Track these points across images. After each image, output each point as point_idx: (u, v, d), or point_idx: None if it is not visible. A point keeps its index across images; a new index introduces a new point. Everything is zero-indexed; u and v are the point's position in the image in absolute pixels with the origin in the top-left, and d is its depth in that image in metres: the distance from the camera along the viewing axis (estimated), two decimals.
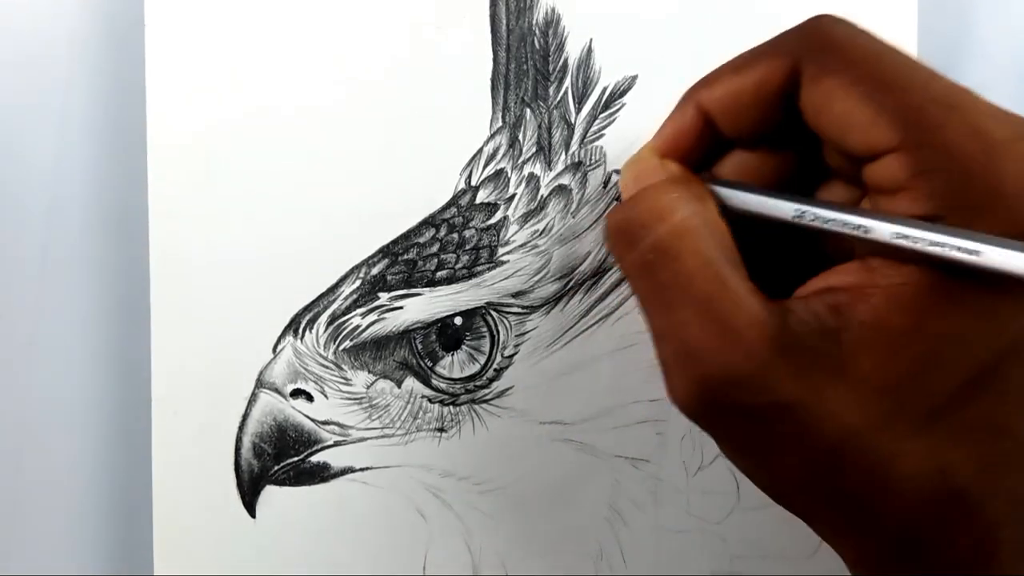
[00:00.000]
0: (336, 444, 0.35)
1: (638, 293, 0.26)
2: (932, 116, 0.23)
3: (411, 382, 0.35)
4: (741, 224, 0.26)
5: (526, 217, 0.35)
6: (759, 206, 0.26)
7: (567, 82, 0.35)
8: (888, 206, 0.24)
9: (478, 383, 0.35)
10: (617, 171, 0.35)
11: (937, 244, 0.22)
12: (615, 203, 0.31)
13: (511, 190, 0.35)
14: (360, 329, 0.35)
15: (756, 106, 0.26)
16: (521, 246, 0.35)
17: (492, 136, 0.35)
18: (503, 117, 0.35)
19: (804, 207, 0.25)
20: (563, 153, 0.35)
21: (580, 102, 0.35)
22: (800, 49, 0.25)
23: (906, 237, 0.23)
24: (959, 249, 0.22)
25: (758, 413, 0.23)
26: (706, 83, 0.28)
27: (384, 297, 0.35)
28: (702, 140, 0.28)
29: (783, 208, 0.26)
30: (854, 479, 0.23)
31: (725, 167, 0.29)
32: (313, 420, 0.35)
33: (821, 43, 0.25)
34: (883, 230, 0.23)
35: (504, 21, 0.35)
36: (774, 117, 0.26)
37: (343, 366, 0.35)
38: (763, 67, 0.26)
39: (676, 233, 0.25)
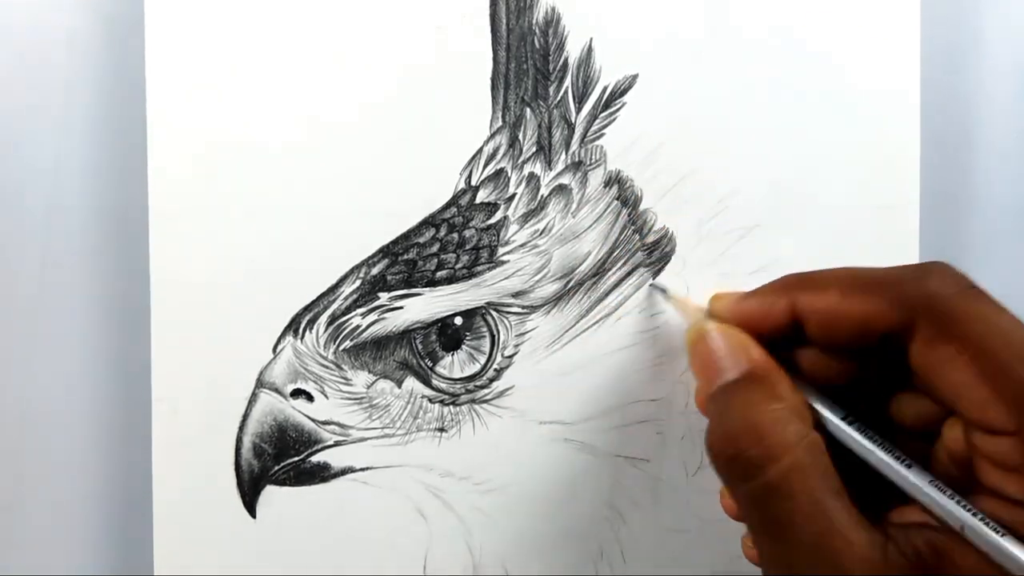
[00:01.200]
0: (336, 444, 0.35)
1: (747, 518, 0.27)
2: None
3: (411, 382, 0.35)
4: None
5: (526, 217, 0.35)
6: (861, 451, 0.27)
7: (567, 81, 0.35)
8: (993, 477, 0.25)
9: (478, 383, 0.35)
10: (658, 287, 0.35)
11: None
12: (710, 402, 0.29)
13: (511, 190, 0.35)
14: (360, 329, 0.35)
15: (855, 333, 0.27)
16: (521, 246, 0.35)
17: (492, 136, 0.35)
18: (503, 117, 0.35)
19: (919, 483, 0.26)
20: (563, 152, 0.35)
21: (580, 101, 0.35)
22: (917, 304, 0.26)
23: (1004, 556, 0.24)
24: None
25: None
26: (809, 286, 0.28)
27: (384, 297, 0.35)
28: (783, 333, 0.29)
29: (895, 474, 0.27)
30: None
31: (801, 358, 0.29)
32: (313, 420, 0.35)
33: (940, 307, 0.25)
34: (990, 542, 0.24)
35: (504, 21, 0.35)
36: (870, 345, 0.27)
37: (343, 366, 0.35)
38: (874, 305, 0.26)
39: (787, 474, 0.25)
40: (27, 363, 0.39)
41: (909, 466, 0.26)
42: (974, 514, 0.25)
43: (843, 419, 0.27)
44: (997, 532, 0.24)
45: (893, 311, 0.26)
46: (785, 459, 0.25)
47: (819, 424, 0.27)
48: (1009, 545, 0.24)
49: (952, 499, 0.25)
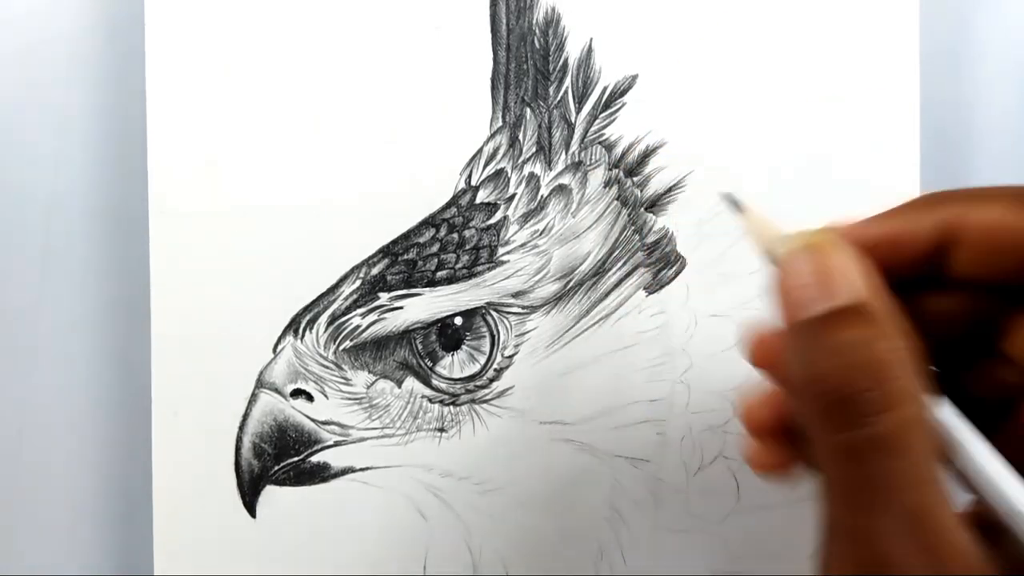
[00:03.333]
0: (336, 444, 0.35)
1: (830, 476, 0.22)
2: None
3: (411, 382, 0.35)
4: None
5: (526, 217, 0.35)
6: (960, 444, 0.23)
7: (567, 82, 0.35)
8: None
9: (478, 383, 0.35)
10: (731, 198, 0.28)
11: None
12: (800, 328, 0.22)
13: (511, 190, 0.35)
14: (360, 329, 0.35)
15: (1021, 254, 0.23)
16: (521, 246, 0.35)
17: (492, 136, 0.35)
18: (503, 117, 0.35)
19: None
20: (563, 153, 0.35)
21: (580, 101, 0.35)
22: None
23: None
24: None
25: None
26: (968, 200, 0.24)
27: (384, 297, 0.35)
28: (920, 263, 0.24)
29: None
30: None
31: (920, 302, 0.25)
32: (313, 420, 0.35)
33: None
34: None
35: (504, 21, 0.35)
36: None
37: (343, 366, 0.35)
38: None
39: (904, 426, 0.21)
40: (27, 363, 0.39)
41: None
42: None
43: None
44: None
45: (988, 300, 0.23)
46: (906, 409, 0.21)
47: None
48: None
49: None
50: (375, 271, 0.35)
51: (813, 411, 0.22)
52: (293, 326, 0.35)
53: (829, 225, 0.24)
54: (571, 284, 0.35)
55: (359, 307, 0.35)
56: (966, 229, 0.23)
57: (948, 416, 0.23)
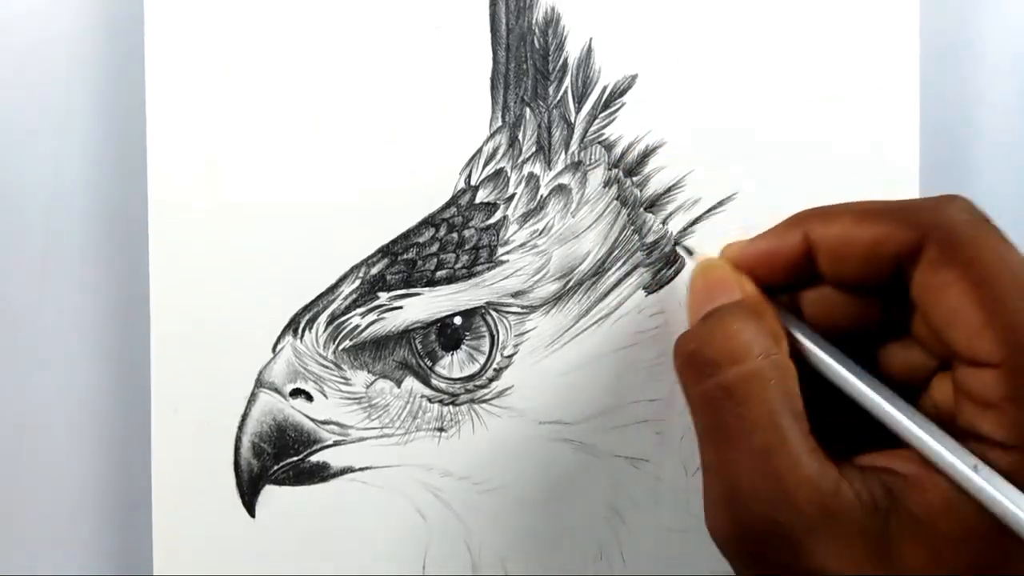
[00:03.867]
0: (336, 444, 0.35)
1: (697, 423, 0.27)
2: None
3: (411, 382, 0.35)
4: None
5: (526, 217, 0.35)
6: (828, 372, 0.27)
7: (567, 81, 0.35)
8: (971, 415, 0.25)
9: (478, 383, 0.35)
10: (684, 247, 0.35)
11: (1001, 506, 0.23)
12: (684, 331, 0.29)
13: (511, 190, 0.35)
14: (359, 329, 0.35)
15: (866, 260, 0.27)
16: (521, 246, 0.35)
17: (492, 136, 0.35)
18: (503, 116, 0.35)
19: (882, 404, 0.26)
20: (563, 152, 0.35)
21: (580, 101, 0.35)
22: (928, 227, 0.26)
23: (971, 483, 0.24)
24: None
25: (791, 569, 0.24)
26: (822, 217, 0.28)
27: (384, 297, 0.35)
28: (796, 269, 0.28)
29: (854, 391, 0.27)
30: None
31: (808, 298, 0.29)
32: (313, 420, 0.35)
33: (950, 231, 0.25)
34: (951, 466, 0.24)
35: (504, 20, 0.35)
36: (879, 275, 0.27)
37: (343, 366, 0.35)
38: (885, 228, 0.26)
39: (746, 378, 0.25)
40: (27, 363, 0.39)
41: (885, 393, 0.26)
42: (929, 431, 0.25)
43: (824, 349, 0.27)
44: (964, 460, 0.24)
45: (903, 233, 0.26)
46: (747, 364, 0.26)
47: (801, 363, 0.27)
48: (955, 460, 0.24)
49: (924, 422, 0.25)
50: (374, 271, 0.35)
51: (680, 369, 0.27)
52: (292, 326, 0.35)
53: (727, 243, 0.30)
54: (570, 284, 0.35)
55: (358, 307, 0.35)
56: (819, 242, 0.27)
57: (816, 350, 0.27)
